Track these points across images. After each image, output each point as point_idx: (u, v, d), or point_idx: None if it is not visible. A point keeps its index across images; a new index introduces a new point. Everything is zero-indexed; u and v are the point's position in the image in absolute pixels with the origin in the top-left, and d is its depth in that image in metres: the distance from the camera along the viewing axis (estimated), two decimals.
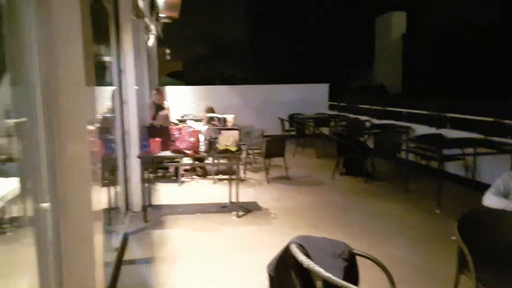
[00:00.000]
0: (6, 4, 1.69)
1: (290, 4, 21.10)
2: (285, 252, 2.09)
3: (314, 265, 1.90)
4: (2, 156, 4.85)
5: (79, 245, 1.91)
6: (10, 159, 4.80)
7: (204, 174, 7.29)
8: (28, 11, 1.69)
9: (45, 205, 1.78)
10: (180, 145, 5.00)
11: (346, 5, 19.49)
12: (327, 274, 1.83)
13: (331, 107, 13.22)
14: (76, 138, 1.88)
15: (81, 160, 1.90)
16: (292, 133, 10.55)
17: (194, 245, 4.26)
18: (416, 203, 5.66)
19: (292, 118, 11.02)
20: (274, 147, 6.97)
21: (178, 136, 5.00)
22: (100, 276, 2.17)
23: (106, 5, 4.27)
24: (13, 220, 4.68)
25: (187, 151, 4.98)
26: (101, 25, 4.28)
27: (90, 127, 1.98)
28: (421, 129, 8.21)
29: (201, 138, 5.24)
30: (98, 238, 2.08)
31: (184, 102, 12.01)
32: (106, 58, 4.71)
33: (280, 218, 5.09)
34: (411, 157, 7.05)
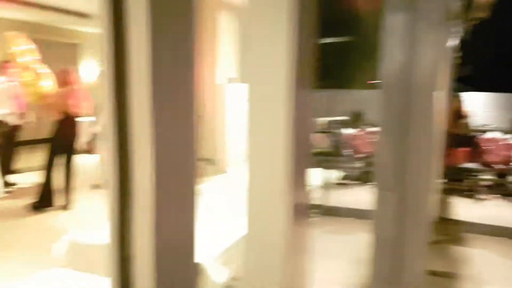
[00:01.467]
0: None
1: None
2: None
3: None
4: (317, 150, 5.55)
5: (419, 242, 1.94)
6: (321, 153, 5.45)
7: (509, 193, 6.31)
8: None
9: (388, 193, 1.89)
10: (490, 158, 4.50)
11: None
12: None
13: None
14: (425, 140, 1.93)
15: (428, 157, 1.93)
16: None
17: (502, 272, 3.74)
18: None
19: None
20: None
21: (491, 148, 4.51)
22: None
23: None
24: (317, 207, 5.34)
25: (499, 166, 4.43)
26: None
27: (437, 133, 2.00)
28: None
29: None
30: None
31: (478, 110, 10.80)
32: None
33: None
34: None
